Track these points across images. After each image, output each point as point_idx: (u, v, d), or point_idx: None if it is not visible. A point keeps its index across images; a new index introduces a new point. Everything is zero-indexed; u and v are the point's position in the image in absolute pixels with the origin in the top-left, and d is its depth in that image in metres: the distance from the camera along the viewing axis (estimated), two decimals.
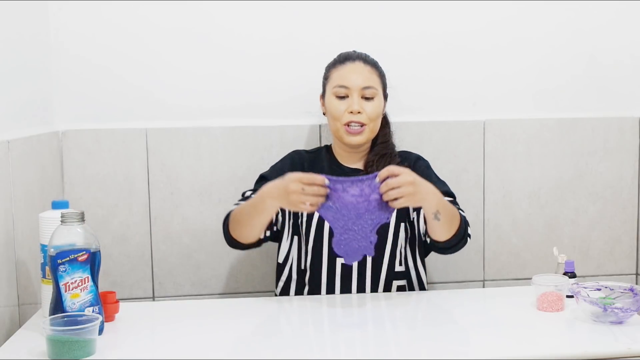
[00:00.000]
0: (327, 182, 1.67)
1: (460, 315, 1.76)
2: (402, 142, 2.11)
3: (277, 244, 2.00)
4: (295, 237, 1.95)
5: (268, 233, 1.91)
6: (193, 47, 2.26)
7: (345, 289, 1.90)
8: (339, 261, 1.89)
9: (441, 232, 1.81)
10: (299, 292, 1.95)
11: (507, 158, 2.41)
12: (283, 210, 1.94)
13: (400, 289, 1.94)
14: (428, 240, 1.90)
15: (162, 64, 2.25)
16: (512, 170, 2.42)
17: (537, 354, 1.50)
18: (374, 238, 1.70)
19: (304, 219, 1.92)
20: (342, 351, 1.55)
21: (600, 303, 1.63)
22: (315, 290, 1.91)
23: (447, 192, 1.94)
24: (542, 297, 1.73)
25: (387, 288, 1.92)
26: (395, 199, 1.66)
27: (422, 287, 1.98)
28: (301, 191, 1.66)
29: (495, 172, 2.41)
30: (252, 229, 1.85)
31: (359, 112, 1.91)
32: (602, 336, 1.56)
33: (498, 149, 2.41)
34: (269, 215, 1.81)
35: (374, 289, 1.91)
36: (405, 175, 1.67)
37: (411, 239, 1.96)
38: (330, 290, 1.90)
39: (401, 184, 1.65)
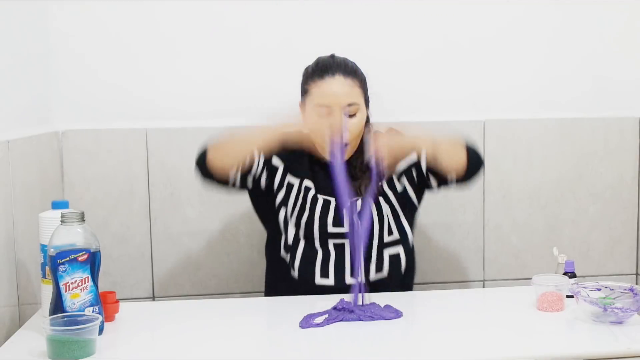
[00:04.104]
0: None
1: (460, 315, 1.75)
2: None
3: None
4: (283, 209, 1.95)
5: (249, 184, 1.93)
6: (193, 48, 2.26)
7: (339, 263, 1.90)
8: (331, 242, 1.90)
9: (455, 164, 1.87)
10: (290, 264, 1.94)
11: (507, 158, 2.41)
12: (270, 178, 1.95)
13: (392, 258, 1.93)
14: (449, 181, 1.93)
15: (162, 65, 2.25)
16: (512, 170, 2.42)
17: (537, 354, 1.50)
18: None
19: (295, 194, 1.93)
20: (341, 351, 1.54)
21: (600, 303, 1.63)
22: (309, 263, 1.91)
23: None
24: (542, 297, 1.73)
25: (380, 258, 1.91)
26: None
27: (408, 247, 1.97)
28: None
29: (495, 172, 2.41)
30: (235, 157, 1.87)
31: None
32: (602, 336, 1.56)
33: (498, 149, 2.41)
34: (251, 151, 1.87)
35: (367, 260, 1.91)
36: (383, 141, 1.80)
37: (392, 209, 1.95)
38: (325, 263, 1.90)
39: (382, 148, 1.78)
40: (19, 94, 1.92)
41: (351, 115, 1.88)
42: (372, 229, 1.91)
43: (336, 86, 1.88)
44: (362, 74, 1.94)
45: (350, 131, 1.88)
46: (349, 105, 1.88)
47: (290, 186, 1.96)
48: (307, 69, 1.96)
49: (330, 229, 1.91)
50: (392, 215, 1.95)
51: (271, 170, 1.96)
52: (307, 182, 1.95)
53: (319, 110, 1.89)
